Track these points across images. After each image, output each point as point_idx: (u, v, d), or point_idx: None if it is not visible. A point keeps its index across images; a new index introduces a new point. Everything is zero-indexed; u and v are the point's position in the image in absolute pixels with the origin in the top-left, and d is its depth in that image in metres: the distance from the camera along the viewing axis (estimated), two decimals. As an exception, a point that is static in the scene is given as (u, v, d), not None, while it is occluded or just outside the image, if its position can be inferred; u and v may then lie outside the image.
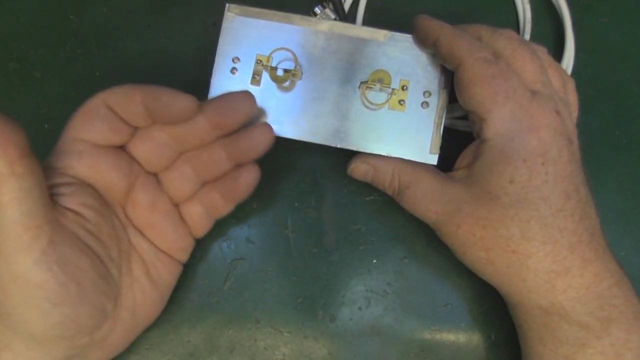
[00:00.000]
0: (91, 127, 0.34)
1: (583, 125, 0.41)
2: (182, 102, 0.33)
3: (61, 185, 0.33)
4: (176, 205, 0.39)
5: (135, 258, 0.37)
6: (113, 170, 0.35)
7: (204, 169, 0.38)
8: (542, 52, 0.37)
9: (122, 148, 0.36)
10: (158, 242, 0.38)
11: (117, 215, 0.37)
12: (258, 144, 0.36)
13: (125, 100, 0.33)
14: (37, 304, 0.30)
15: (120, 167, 0.35)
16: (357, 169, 0.39)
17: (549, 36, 0.47)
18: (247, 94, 0.35)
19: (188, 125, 0.35)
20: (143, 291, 0.37)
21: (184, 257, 0.40)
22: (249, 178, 0.38)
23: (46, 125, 0.45)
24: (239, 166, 0.38)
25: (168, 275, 0.39)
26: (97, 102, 0.34)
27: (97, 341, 0.35)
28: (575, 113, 0.38)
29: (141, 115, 0.34)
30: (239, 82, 0.38)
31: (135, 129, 0.36)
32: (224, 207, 0.39)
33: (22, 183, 0.28)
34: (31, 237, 0.29)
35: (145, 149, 0.37)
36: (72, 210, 0.33)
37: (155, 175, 0.38)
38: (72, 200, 0.33)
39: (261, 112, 0.38)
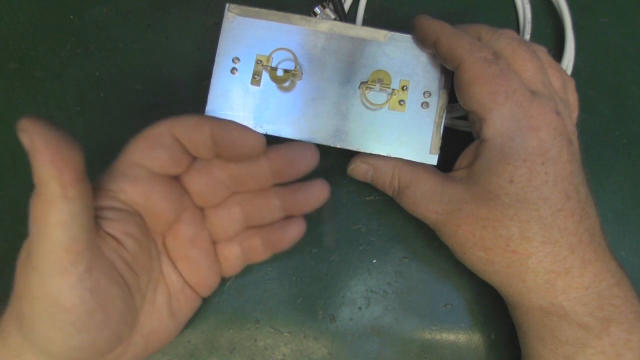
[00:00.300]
0: (153, 154, 0.33)
1: (583, 125, 0.41)
2: (252, 140, 0.32)
3: (108, 209, 0.33)
4: (214, 243, 0.39)
5: (162, 288, 0.37)
6: (165, 200, 0.35)
7: (253, 213, 0.38)
8: (542, 52, 0.37)
9: (176, 178, 0.36)
10: (188, 275, 0.38)
11: (155, 244, 0.36)
12: (314, 199, 0.36)
13: (194, 131, 0.33)
14: (61, 327, 0.30)
15: (172, 198, 0.35)
16: (357, 169, 0.39)
17: (549, 36, 0.47)
18: (312, 147, 0.34)
19: (250, 166, 0.35)
20: (161, 320, 0.37)
21: (207, 293, 0.40)
22: (296, 231, 0.38)
23: (46, 125, 0.45)
24: (287, 217, 0.38)
25: (188, 308, 0.39)
26: (163, 130, 0.33)
27: None
28: (575, 113, 0.38)
29: (207, 148, 0.33)
30: (239, 82, 0.38)
31: (194, 160, 0.35)
32: (262, 255, 0.39)
33: (72, 207, 0.28)
34: (70, 261, 0.29)
35: (201, 183, 0.36)
36: (114, 237, 0.32)
37: (201, 209, 0.38)
38: (116, 227, 0.33)
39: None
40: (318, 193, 0.36)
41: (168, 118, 0.33)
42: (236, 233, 0.39)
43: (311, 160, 0.35)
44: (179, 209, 0.36)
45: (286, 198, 0.37)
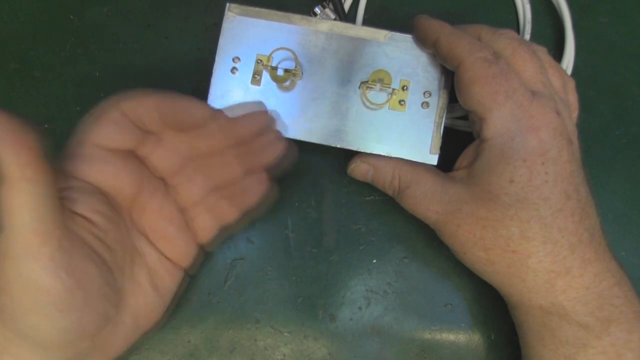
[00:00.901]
0: (104, 131, 0.34)
1: (583, 125, 0.41)
2: (197, 109, 0.33)
3: (71, 189, 0.33)
4: (183, 211, 0.39)
5: (139, 263, 0.37)
6: (123, 174, 0.35)
7: (212, 173, 0.38)
8: (543, 52, 0.37)
9: (131, 152, 0.36)
10: (162, 247, 0.38)
11: (124, 220, 0.36)
12: (269, 153, 0.36)
13: (140, 106, 0.34)
14: (43, 311, 0.30)
15: (130, 172, 0.35)
16: (358, 168, 0.39)
17: (549, 36, 0.47)
18: (261, 107, 0.35)
19: (200, 132, 0.35)
20: (145, 296, 0.37)
21: (187, 263, 0.39)
22: (258, 187, 0.37)
23: (46, 125, 0.45)
24: (249, 174, 0.38)
25: (171, 282, 0.39)
26: (111, 107, 0.34)
27: (98, 345, 0.34)
28: (575, 113, 0.38)
29: (154, 121, 0.34)
30: (239, 81, 0.38)
31: (146, 133, 0.36)
32: (230, 214, 0.39)
33: (34, 188, 0.28)
34: (40, 242, 0.29)
35: (155, 154, 0.37)
36: (82, 216, 0.33)
37: (163, 180, 0.38)
38: (81, 205, 0.33)
39: (274, 120, 0.38)
40: (272, 143, 0.36)
41: (115, 95, 0.34)
42: (201, 197, 0.39)
43: (259, 119, 0.35)
44: (139, 182, 0.36)
45: (242, 153, 0.37)
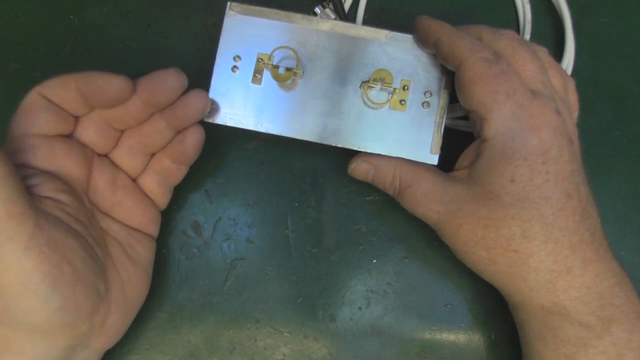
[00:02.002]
0: (36, 120, 0.34)
1: (583, 125, 0.41)
2: (116, 84, 0.34)
3: (28, 177, 0.33)
4: (134, 181, 0.40)
5: (110, 241, 0.37)
6: (69, 158, 0.35)
7: (148, 140, 0.38)
8: (543, 52, 0.37)
9: (69, 136, 0.36)
10: (127, 219, 0.39)
11: (84, 203, 0.37)
12: (193, 110, 0.37)
13: (61, 89, 0.34)
14: (34, 290, 0.30)
15: (74, 154, 0.36)
16: (358, 168, 0.39)
17: (549, 36, 0.47)
18: (175, 71, 0.35)
19: (124, 106, 0.35)
20: (126, 270, 0.37)
21: (154, 229, 0.40)
22: (194, 138, 0.38)
23: (46, 125, 0.45)
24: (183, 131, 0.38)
25: (144, 250, 0.39)
26: (35, 96, 0.34)
27: (97, 326, 0.34)
28: (575, 113, 0.38)
29: (79, 102, 0.34)
30: (239, 80, 0.38)
31: (76, 115, 0.36)
32: (177, 171, 0.40)
33: None
34: (17, 223, 0.29)
35: (90, 133, 0.37)
36: (48, 197, 0.33)
37: (107, 156, 0.39)
38: (44, 188, 0.33)
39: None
40: (195, 102, 0.37)
41: (37, 84, 0.35)
42: (145, 164, 0.40)
43: (174, 83, 0.36)
44: (85, 162, 0.36)
45: (168, 117, 0.37)
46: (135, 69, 0.45)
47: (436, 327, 0.43)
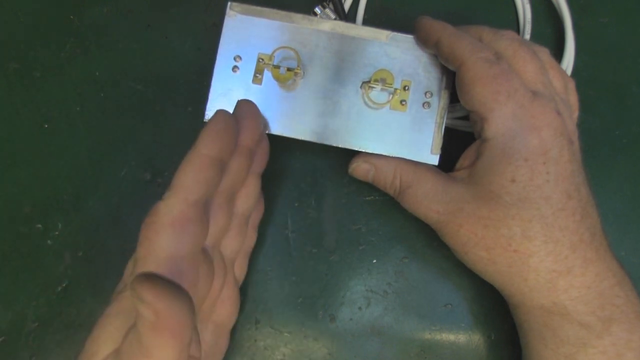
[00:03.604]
0: (189, 231, 0.29)
1: (583, 125, 0.41)
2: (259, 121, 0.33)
3: None
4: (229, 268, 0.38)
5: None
6: (207, 279, 0.33)
7: (235, 203, 0.37)
8: (544, 53, 0.37)
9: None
10: (219, 319, 0.37)
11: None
12: (263, 156, 0.36)
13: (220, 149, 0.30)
14: None
15: (210, 271, 0.33)
16: (359, 168, 0.39)
17: (549, 36, 0.47)
18: (253, 107, 0.34)
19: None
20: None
21: (235, 319, 0.40)
22: (259, 194, 0.38)
23: (46, 125, 0.45)
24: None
25: (224, 342, 0.38)
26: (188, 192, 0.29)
27: None
28: (576, 114, 0.38)
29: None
30: (240, 80, 0.38)
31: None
32: (253, 237, 0.39)
33: None
34: None
35: (220, 222, 0.34)
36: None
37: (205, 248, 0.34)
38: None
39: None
40: (265, 147, 0.36)
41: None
42: (236, 241, 0.38)
43: (259, 117, 0.35)
44: (211, 273, 0.34)
45: (254, 165, 0.36)
46: (135, 69, 0.45)
47: (436, 327, 0.43)
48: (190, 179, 0.29)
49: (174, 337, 0.25)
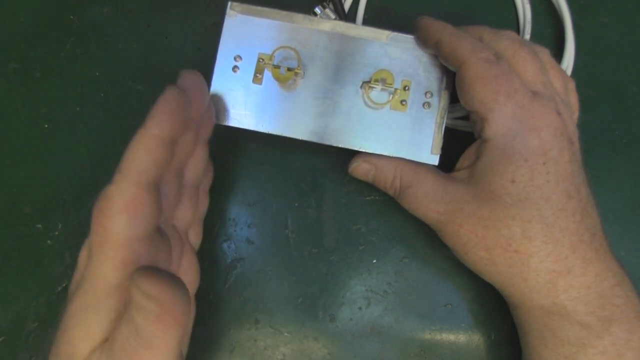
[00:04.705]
0: (142, 214, 0.28)
1: (583, 125, 0.41)
2: (206, 92, 0.32)
3: None
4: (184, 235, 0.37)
5: None
6: (166, 255, 0.33)
7: (186, 172, 0.36)
8: (544, 53, 0.37)
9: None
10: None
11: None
12: (209, 121, 0.36)
13: (170, 121, 0.30)
14: None
15: (166, 247, 0.33)
16: (359, 168, 0.39)
17: (549, 36, 0.47)
18: (197, 75, 0.33)
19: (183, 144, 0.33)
20: None
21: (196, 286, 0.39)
22: (206, 158, 0.37)
23: (46, 125, 0.45)
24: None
25: None
26: (138, 174, 0.29)
27: None
28: (576, 114, 0.38)
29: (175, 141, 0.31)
30: (240, 80, 0.38)
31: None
32: (205, 203, 0.39)
33: None
34: None
35: (170, 197, 0.34)
36: None
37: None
38: None
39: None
40: (211, 107, 0.36)
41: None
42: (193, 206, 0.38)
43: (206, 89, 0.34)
44: (169, 250, 0.34)
45: (200, 133, 0.35)
46: (135, 69, 0.45)
47: (436, 327, 0.43)
48: (141, 161, 0.28)
49: (176, 327, 0.25)
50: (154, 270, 0.26)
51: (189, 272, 0.37)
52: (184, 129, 0.31)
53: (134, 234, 0.28)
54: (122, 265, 0.28)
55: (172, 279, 0.26)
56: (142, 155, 0.28)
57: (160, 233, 0.32)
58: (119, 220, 0.27)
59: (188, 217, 0.37)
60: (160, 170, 0.29)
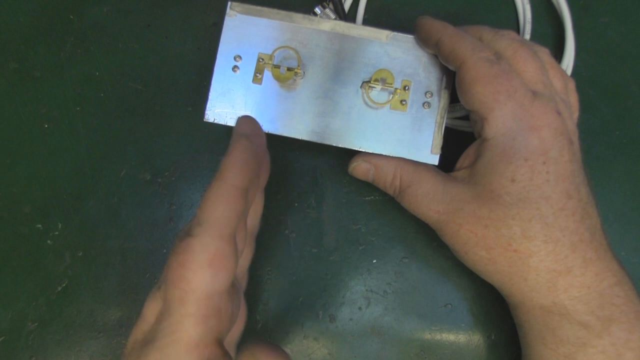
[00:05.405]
0: (227, 267, 0.28)
1: (583, 125, 0.42)
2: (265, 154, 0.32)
3: None
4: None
5: None
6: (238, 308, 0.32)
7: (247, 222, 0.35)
8: (544, 53, 0.37)
9: None
10: (231, 337, 0.36)
11: None
12: (265, 170, 0.35)
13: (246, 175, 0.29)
14: None
15: (237, 299, 0.32)
16: (359, 168, 0.39)
17: (549, 36, 0.47)
18: (251, 120, 0.32)
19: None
20: None
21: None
22: (260, 209, 0.37)
23: (46, 125, 0.45)
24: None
25: None
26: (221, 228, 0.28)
27: None
28: (576, 114, 0.38)
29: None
30: (240, 80, 0.38)
31: None
32: (251, 253, 0.38)
33: None
34: None
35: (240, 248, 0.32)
36: None
37: None
38: None
39: None
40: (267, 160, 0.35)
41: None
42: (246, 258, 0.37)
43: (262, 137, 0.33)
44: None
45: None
46: (135, 69, 0.45)
47: (436, 327, 0.43)
48: (222, 213, 0.27)
49: None
50: (275, 347, 0.27)
51: (239, 321, 0.37)
52: (255, 178, 0.30)
53: (216, 288, 0.27)
54: (204, 320, 0.27)
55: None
56: (222, 207, 0.28)
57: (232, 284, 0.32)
58: (203, 274, 0.26)
59: (246, 265, 0.37)
60: (239, 222, 0.28)
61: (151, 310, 0.30)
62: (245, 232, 0.34)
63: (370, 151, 0.38)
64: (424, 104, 0.38)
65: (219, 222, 0.27)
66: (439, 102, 0.38)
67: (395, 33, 0.38)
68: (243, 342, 0.40)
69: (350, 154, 0.39)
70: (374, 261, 0.44)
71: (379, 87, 0.37)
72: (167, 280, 0.27)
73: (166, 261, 0.28)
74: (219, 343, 0.27)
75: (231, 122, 0.38)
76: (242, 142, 0.29)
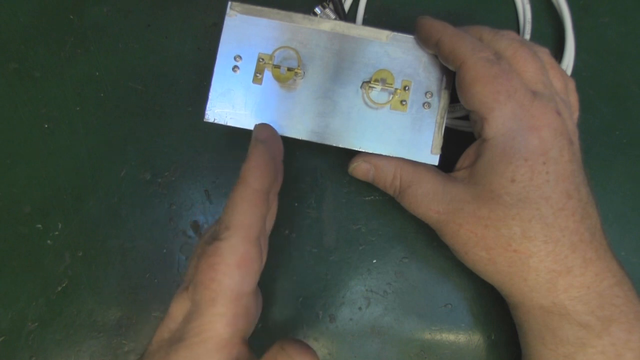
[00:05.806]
0: (253, 268, 0.29)
1: (583, 125, 0.41)
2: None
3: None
4: None
5: None
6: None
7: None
8: (544, 53, 0.37)
9: None
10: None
11: None
12: (280, 175, 0.35)
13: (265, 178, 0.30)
14: None
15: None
16: (359, 168, 0.39)
17: (549, 36, 0.47)
18: (268, 127, 0.34)
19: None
20: None
21: None
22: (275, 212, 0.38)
23: (46, 125, 0.45)
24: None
25: None
26: (249, 231, 0.29)
27: None
28: (576, 114, 0.38)
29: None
30: (240, 80, 0.38)
31: None
32: (265, 255, 0.37)
33: None
34: None
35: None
36: None
37: None
38: None
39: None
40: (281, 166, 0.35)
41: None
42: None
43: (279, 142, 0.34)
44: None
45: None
46: (135, 69, 0.45)
47: (436, 327, 0.43)
48: (248, 216, 0.29)
49: None
50: (303, 344, 0.28)
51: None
52: (274, 181, 0.31)
53: (245, 290, 0.29)
54: (234, 320, 0.28)
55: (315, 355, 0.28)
56: (247, 210, 0.29)
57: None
58: (233, 275, 0.28)
59: (261, 268, 0.37)
60: (264, 224, 0.30)
61: (179, 310, 0.31)
62: (265, 235, 0.34)
63: (370, 151, 0.38)
64: (424, 104, 0.38)
65: (245, 225, 0.28)
66: (439, 102, 0.38)
67: (395, 33, 0.38)
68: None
69: (350, 154, 0.39)
70: (374, 261, 0.44)
71: (379, 87, 0.37)
72: (196, 282, 0.28)
73: (187, 265, 0.29)
74: (246, 342, 0.29)
75: (231, 122, 0.38)
76: (260, 147, 0.31)
